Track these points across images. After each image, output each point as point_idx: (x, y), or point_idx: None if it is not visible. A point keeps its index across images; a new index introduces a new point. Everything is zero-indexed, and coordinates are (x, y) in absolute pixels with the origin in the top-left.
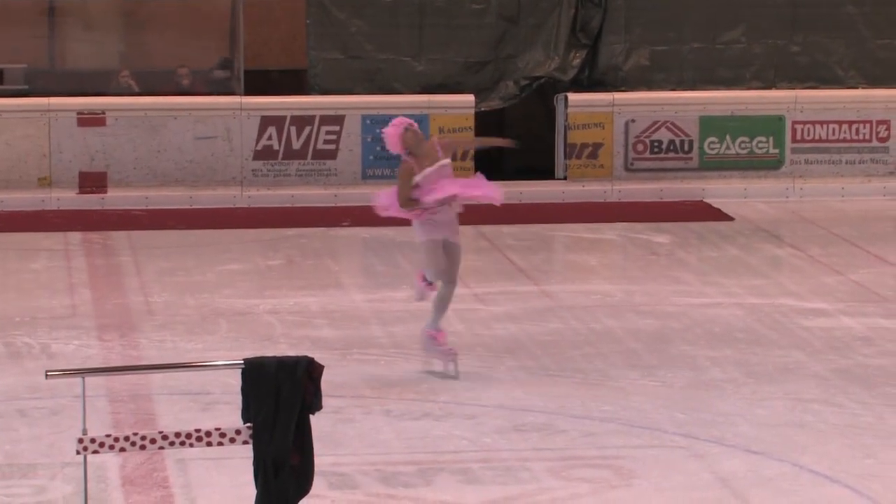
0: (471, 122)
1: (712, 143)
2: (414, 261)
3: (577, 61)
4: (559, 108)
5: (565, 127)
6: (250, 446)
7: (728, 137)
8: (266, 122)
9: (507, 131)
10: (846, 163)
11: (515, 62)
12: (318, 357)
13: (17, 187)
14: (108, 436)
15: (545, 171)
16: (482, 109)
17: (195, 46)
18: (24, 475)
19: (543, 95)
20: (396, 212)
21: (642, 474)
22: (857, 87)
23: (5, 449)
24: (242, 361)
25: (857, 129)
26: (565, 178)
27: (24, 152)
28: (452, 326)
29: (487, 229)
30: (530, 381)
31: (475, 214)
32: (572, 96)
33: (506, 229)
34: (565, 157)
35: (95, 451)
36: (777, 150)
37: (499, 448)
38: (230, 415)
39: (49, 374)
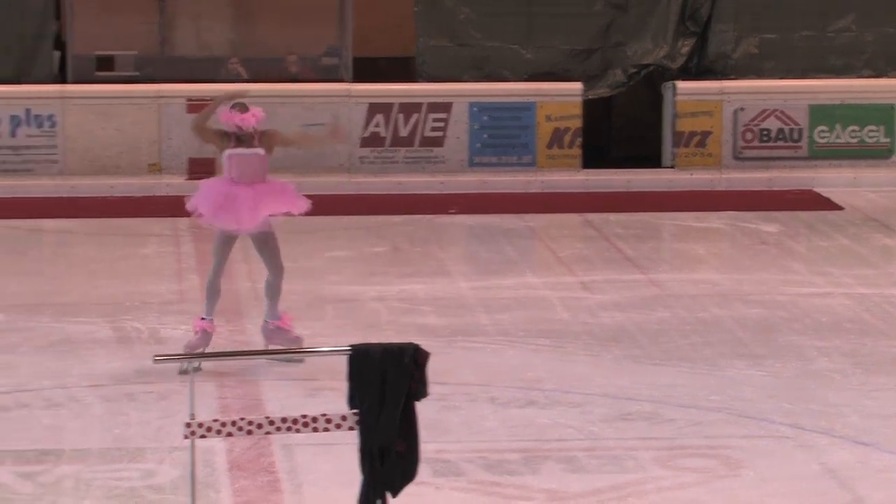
0: (578, 110)
1: (822, 131)
2: (520, 248)
3: (685, 49)
4: (667, 96)
5: (673, 115)
6: (356, 432)
7: (838, 126)
8: (374, 109)
9: (614, 119)
10: None
11: (624, 50)
12: (424, 344)
13: (127, 173)
14: (215, 420)
15: (653, 160)
16: (589, 97)
17: (304, 34)
18: (132, 459)
19: (651, 83)
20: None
21: (749, 464)
22: None
23: (114, 433)
24: (349, 348)
25: None
26: (673, 167)
27: (135, 139)
28: (558, 314)
29: (594, 217)
30: (637, 369)
31: (582, 202)
32: (681, 84)
33: (613, 217)
34: (673, 146)
35: (203, 436)
36: (888, 140)
37: (605, 437)
38: (336, 401)
39: (157, 358)
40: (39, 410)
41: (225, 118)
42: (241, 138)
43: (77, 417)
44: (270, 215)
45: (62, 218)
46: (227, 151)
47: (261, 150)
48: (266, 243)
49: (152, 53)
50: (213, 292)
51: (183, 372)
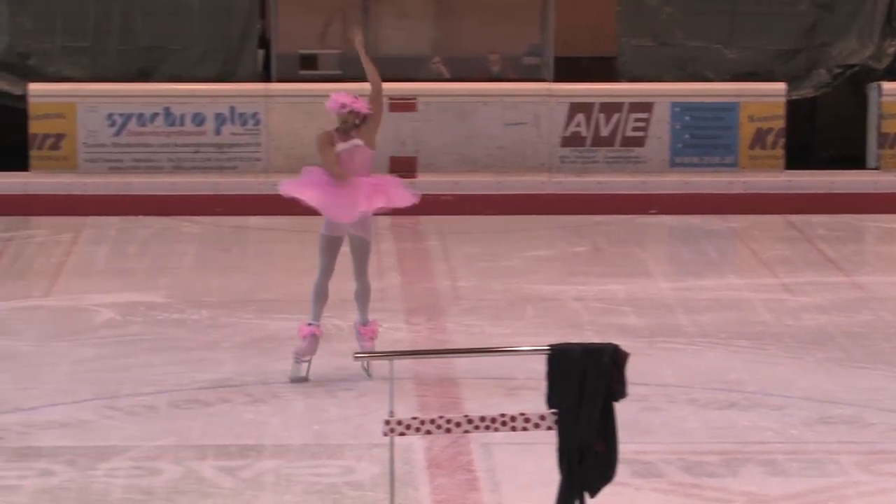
0: (782, 111)
1: None
2: (722, 249)
3: (891, 50)
4: (872, 96)
5: (879, 116)
6: (555, 432)
7: None
8: (575, 108)
9: (818, 120)
10: None
11: (829, 50)
12: (624, 344)
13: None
14: (414, 418)
15: (857, 161)
16: (793, 98)
17: (505, 33)
18: (332, 455)
19: (856, 84)
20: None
21: None
22: None
23: (314, 429)
24: (548, 347)
25: None
26: (878, 168)
27: None
28: (759, 316)
29: (797, 219)
30: (839, 372)
31: (785, 203)
32: (886, 85)
33: (815, 219)
34: (878, 147)
35: (402, 434)
36: None
37: (805, 440)
38: (535, 400)
39: (357, 356)
40: (241, 406)
41: (330, 104)
42: (344, 130)
43: (278, 413)
44: (376, 211)
45: (265, 215)
46: (337, 148)
47: (359, 141)
48: (359, 250)
49: (356, 52)
50: (319, 296)
51: (295, 380)
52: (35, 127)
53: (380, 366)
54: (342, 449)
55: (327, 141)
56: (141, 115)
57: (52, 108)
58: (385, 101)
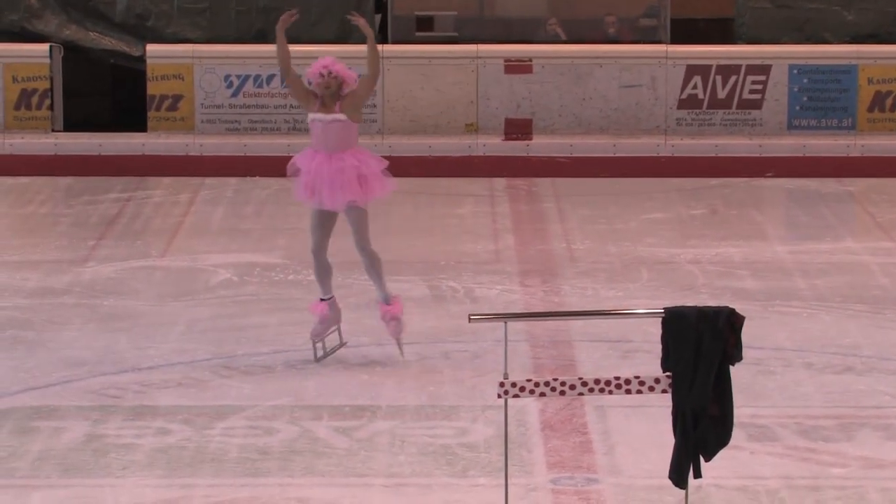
0: None
1: None
2: (839, 213)
3: None
4: None
5: None
6: (669, 395)
7: None
8: (691, 70)
9: None
10: None
11: None
12: (740, 308)
13: (445, 133)
14: (528, 380)
15: None
16: None
17: None
18: (446, 417)
19: None
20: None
21: None
22: None
23: (429, 390)
24: (664, 310)
25: None
26: None
27: (453, 99)
28: (876, 280)
29: None
30: None
31: None
32: None
33: None
34: None
35: (516, 396)
36: None
37: None
38: (649, 363)
39: (472, 317)
40: (356, 367)
41: (309, 72)
42: (323, 100)
43: (392, 374)
44: (352, 200)
45: None
46: (309, 115)
47: (341, 116)
48: (352, 220)
49: (471, 14)
50: (320, 271)
51: (319, 358)
52: (153, 88)
53: (494, 328)
54: (456, 410)
55: (303, 84)
56: (258, 77)
57: (170, 70)
58: (501, 63)
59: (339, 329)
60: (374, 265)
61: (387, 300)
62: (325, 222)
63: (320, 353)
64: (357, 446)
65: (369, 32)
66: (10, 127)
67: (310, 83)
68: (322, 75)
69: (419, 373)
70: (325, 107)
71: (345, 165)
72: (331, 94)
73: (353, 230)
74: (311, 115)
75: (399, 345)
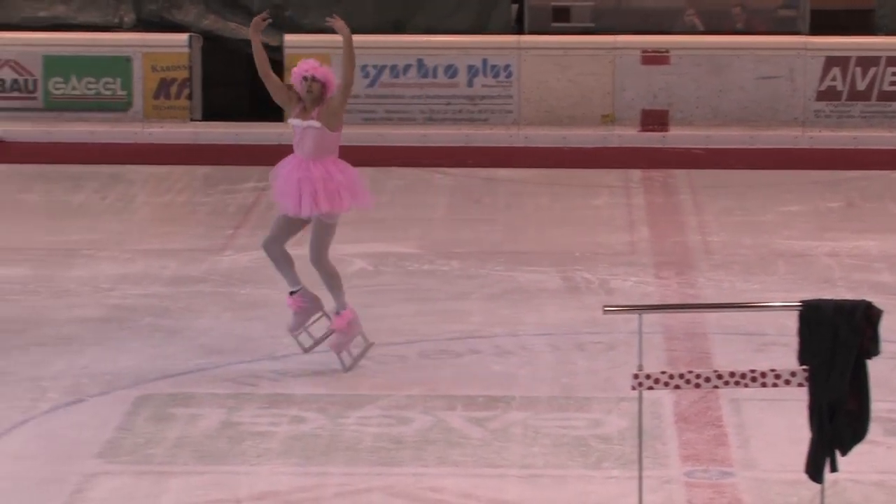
0: None
1: None
2: None
3: None
4: None
5: None
6: (806, 389)
7: None
8: (830, 62)
9: None
10: None
11: None
12: (877, 301)
13: (581, 124)
14: (663, 373)
15: None
16: None
17: None
18: (580, 408)
19: None
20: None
21: None
22: None
23: (563, 382)
24: (800, 303)
25: None
26: None
27: (589, 89)
28: None
29: None
30: None
31: None
32: None
33: None
34: None
35: (650, 388)
36: None
37: None
38: (785, 356)
39: (606, 309)
40: (490, 357)
41: (293, 74)
42: (304, 105)
43: (527, 365)
44: (326, 211)
45: (516, 167)
46: (289, 119)
47: (316, 123)
48: (313, 232)
49: (608, 4)
50: (277, 261)
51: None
52: (291, 78)
53: (629, 319)
54: (590, 402)
55: (284, 87)
56: (394, 67)
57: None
58: (638, 54)
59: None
60: (330, 280)
61: (337, 311)
62: (287, 226)
63: (308, 343)
64: (490, 437)
65: (346, 35)
66: (150, 116)
67: (290, 86)
68: (305, 79)
69: (553, 364)
70: (306, 111)
71: (312, 175)
72: (312, 98)
73: (309, 241)
74: (289, 120)
75: (339, 358)
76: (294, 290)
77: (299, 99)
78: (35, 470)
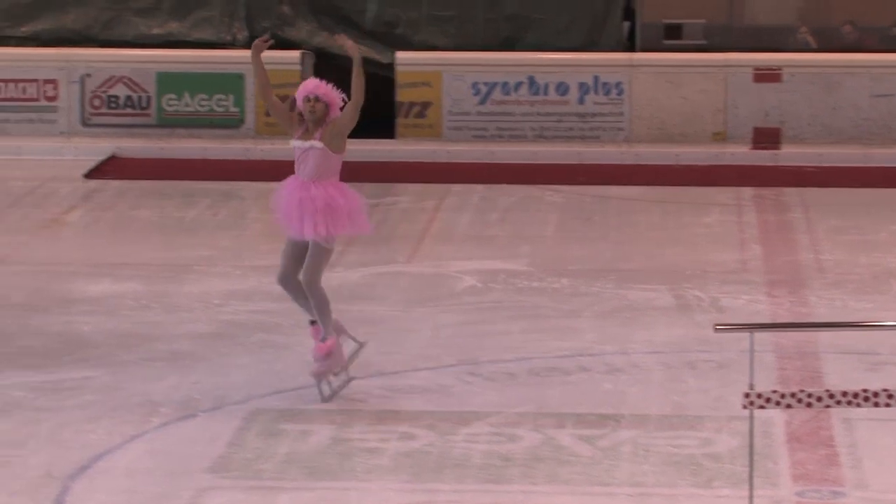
0: None
1: None
2: None
3: None
4: None
5: None
6: None
7: None
8: None
9: None
10: None
11: None
12: None
13: (692, 141)
14: (774, 391)
15: None
16: None
17: (874, 2)
18: (690, 426)
19: None
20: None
21: None
22: None
23: (673, 400)
24: None
25: None
26: None
27: (700, 107)
28: None
29: None
30: None
31: None
32: None
33: None
34: None
35: (761, 406)
36: None
37: None
38: None
39: (718, 327)
40: (600, 375)
41: (297, 95)
42: (307, 126)
43: (637, 383)
44: (322, 235)
45: (627, 185)
46: (291, 141)
47: (319, 144)
48: (309, 255)
49: (720, 22)
50: (299, 295)
51: (325, 398)
52: (402, 95)
53: (740, 338)
54: (701, 420)
55: (286, 106)
56: (505, 84)
57: (419, 77)
58: (750, 71)
59: (345, 367)
60: (321, 306)
61: (322, 338)
62: (294, 252)
63: (327, 393)
64: (600, 455)
65: (356, 55)
66: (262, 133)
67: (293, 108)
68: (308, 99)
69: (664, 382)
70: (308, 133)
71: (312, 195)
72: (315, 119)
73: (304, 264)
74: (291, 141)
75: (318, 387)
76: (315, 319)
77: (302, 120)
78: (148, 485)
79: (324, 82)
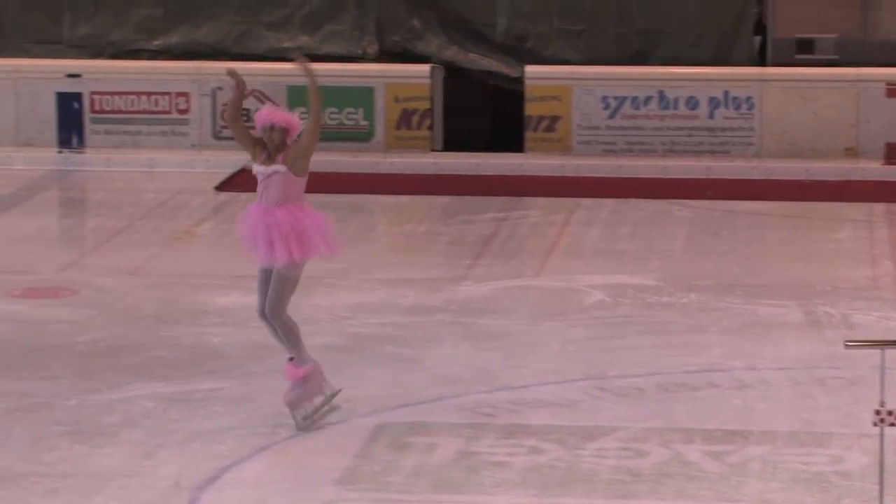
0: None
1: None
2: None
3: None
4: None
5: None
6: None
7: None
8: None
9: None
10: None
11: None
12: None
13: (823, 156)
14: None
15: None
16: None
17: None
18: (820, 444)
19: None
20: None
21: None
22: None
23: (802, 417)
24: None
25: None
26: None
27: (832, 122)
28: None
29: None
30: None
31: None
32: None
33: None
34: None
35: (892, 424)
36: None
37: None
38: None
39: (848, 344)
40: (729, 391)
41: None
42: (269, 152)
43: (766, 399)
44: (294, 259)
45: (757, 200)
46: (253, 167)
47: (281, 168)
48: (273, 281)
49: (853, 36)
50: (283, 332)
51: (300, 426)
52: (531, 109)
53: (871, 355)
54: (830, 437)
55: (249, 133)
56: (635, 98)
57: (548, 91)
58: (883, 86)
59: (326, 394)
60: (289, 335)
61: (298, 364)
62: (266, 281)
63: (306, 419)
64: (729, 471)
65: (311, 75)
66: (391, 146)
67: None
68: (265, 129)
69: (793, 398)
70: (271, 158)
71: (279, 220)
72: (275, 147)
73: (268, 293)
74: (254, 167)
75: (292, 414)
76: (293, 357)
77: (264, 146)
78: (276, 496)
79: (278, 109)
